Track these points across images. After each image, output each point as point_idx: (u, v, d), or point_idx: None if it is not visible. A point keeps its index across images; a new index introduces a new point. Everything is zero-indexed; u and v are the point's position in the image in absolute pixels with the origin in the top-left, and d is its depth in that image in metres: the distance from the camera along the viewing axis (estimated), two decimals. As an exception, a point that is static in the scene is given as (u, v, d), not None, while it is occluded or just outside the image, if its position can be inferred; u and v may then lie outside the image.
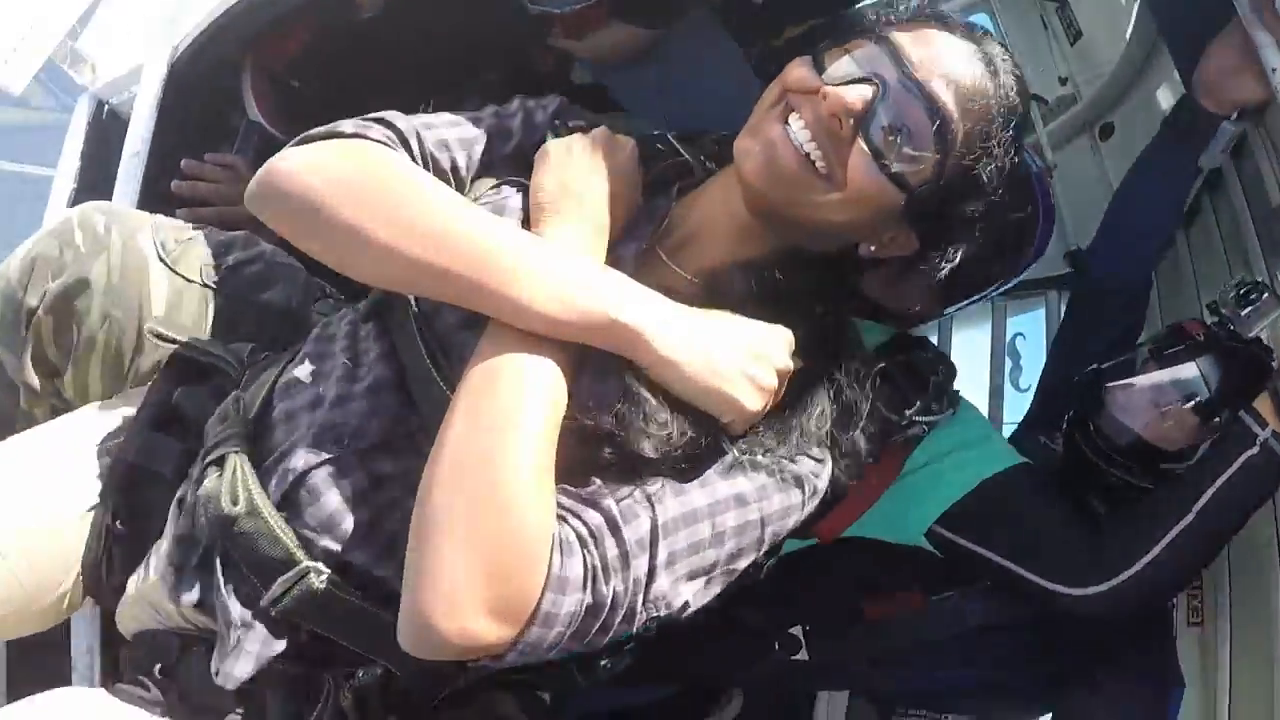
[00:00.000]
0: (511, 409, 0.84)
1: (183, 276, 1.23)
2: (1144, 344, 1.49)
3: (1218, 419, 1.31)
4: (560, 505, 0.86)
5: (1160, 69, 2.15)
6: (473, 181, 1.12)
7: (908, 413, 1.18)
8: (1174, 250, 1.99)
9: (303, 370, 1.04)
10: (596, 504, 0.87)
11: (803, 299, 1.05)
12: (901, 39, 1.01)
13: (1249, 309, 1.38)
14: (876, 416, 1.08)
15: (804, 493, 0.97)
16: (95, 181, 1.70)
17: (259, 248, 1.33)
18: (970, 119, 1.00)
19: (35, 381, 1.22)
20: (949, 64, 1.00)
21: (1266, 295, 1.37)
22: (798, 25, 2.39)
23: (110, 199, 1.59)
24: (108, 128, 1.76)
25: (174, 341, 1.19)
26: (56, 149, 1.76)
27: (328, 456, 0.95)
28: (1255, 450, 1.21)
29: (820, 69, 1.02)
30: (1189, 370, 1.33)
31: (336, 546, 0.94)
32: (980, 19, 2.72)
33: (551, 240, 0.95)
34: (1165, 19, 1.95)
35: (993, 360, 2.49)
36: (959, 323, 2.56)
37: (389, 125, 1.04)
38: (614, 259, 1.00)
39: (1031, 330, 2.54)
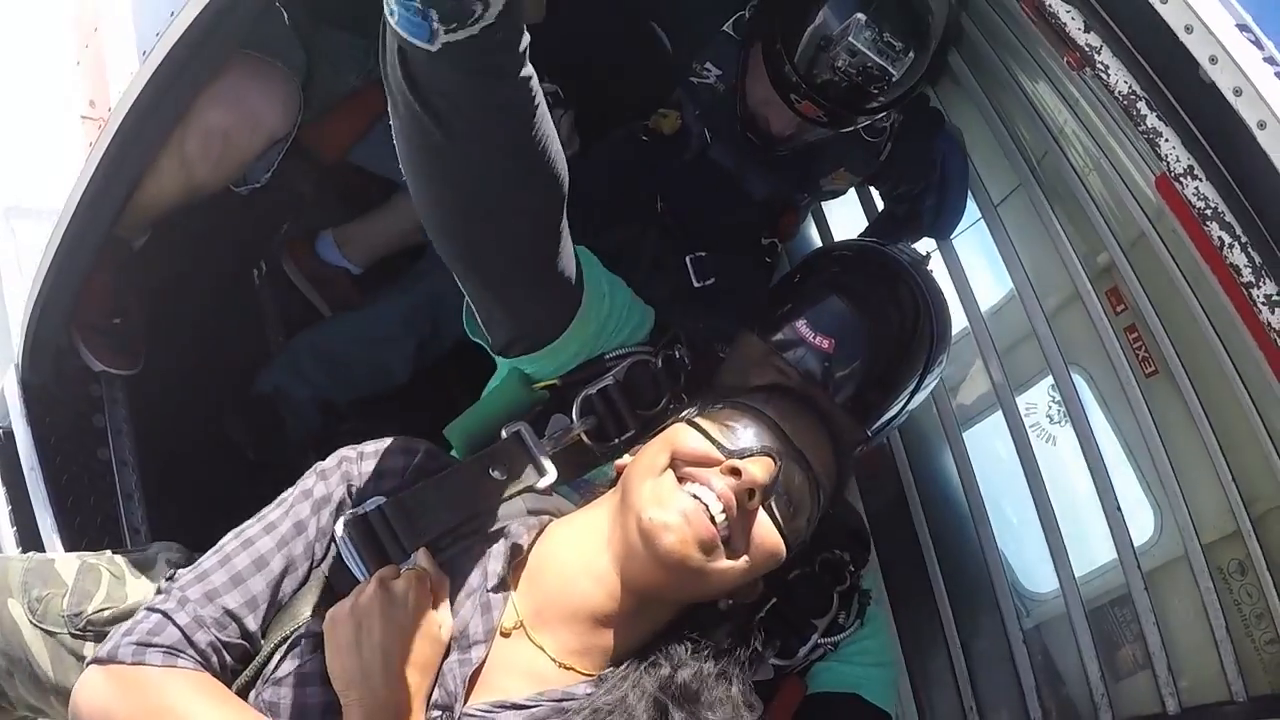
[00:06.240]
0: None
1: (48, 632, 1.35)
2: None
3: None
4: None
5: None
6: (268, 628, 1.07)
7: (801, 650, 1.25)
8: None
9: None
10: None
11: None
12: (771, 412, 1.16)
13: None
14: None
15: None
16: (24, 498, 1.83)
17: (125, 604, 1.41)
18: (829, 479, 1.18)
19: None
20: (812, 435, 1.17)
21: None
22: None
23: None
24: (9, 450, 1.89)
25: None
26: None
27: None
28: None
29: (709, 438, 1.10)
30: None
31: None
32: None
33: None
34: None
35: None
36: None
37: (169, 620, 1.01)
38: (464, 657, 1.04)
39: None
